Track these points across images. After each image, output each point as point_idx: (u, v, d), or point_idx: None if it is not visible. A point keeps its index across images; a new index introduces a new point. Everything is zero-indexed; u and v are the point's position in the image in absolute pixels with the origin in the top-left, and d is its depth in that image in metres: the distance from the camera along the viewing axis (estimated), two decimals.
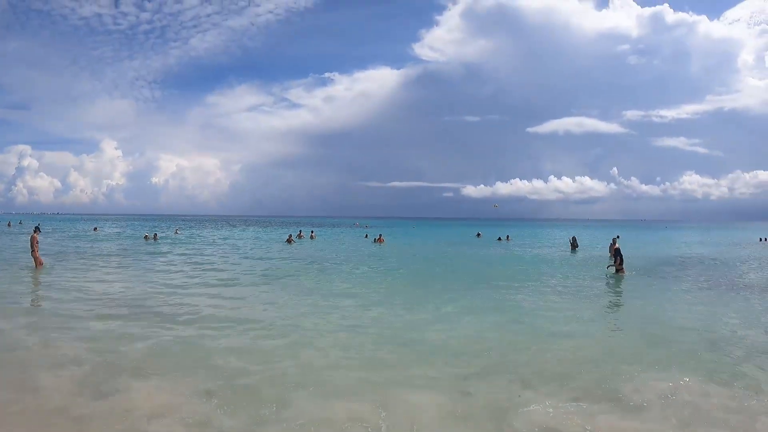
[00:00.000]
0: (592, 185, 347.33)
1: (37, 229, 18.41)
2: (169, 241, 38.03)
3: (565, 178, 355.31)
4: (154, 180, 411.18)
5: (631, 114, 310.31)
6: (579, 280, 16.70)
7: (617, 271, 17.48)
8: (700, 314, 11.02)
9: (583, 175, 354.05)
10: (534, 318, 10.39)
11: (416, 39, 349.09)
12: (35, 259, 17.80)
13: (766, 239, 44.35)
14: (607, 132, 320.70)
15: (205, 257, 24.23)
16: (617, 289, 15.31)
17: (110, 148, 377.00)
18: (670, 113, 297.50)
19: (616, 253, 17.22)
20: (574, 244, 31.61)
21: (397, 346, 8.06)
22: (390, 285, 15.32)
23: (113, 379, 6.22)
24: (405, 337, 8.66)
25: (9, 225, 65.43)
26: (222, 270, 18.63)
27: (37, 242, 17.95)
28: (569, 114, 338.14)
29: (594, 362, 7.19)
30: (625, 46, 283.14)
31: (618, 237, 26.17)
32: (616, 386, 6.09)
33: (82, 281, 15.04)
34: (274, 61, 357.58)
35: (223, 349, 7.68)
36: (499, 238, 43.53)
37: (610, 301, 13.41)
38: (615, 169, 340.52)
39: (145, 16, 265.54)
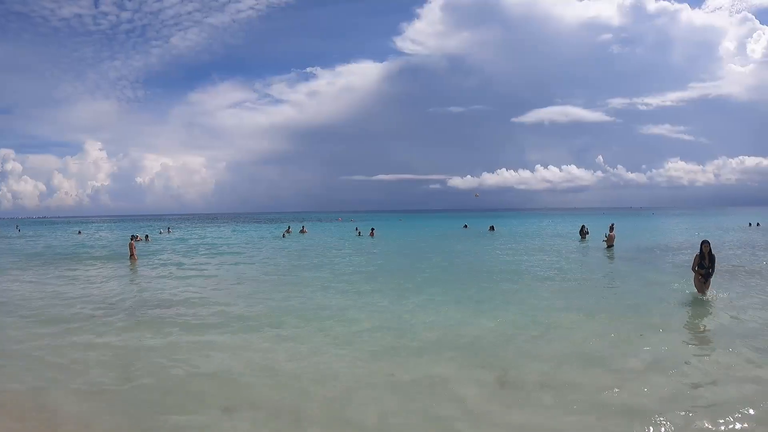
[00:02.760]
0: (578, 174, 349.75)
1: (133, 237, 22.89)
2: (164, 241, 37.51)
3: (551, 168, 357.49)
4: (139, 180, 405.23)
5: (616, 102, 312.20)
6: (574, 271, 16.93)
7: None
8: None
9: (570, 164, 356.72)
10: (525, 308, 10.48)
11: (398, 32, 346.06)
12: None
13: (758, 224, 44.69)
14: (593, 120, 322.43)
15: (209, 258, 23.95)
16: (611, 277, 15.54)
17: (94, 150, 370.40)
18: (654, 101, 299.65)
19: (710, 258, 10.89)
20: (583, 233, 31.73)
21: (395, 338, 8.13)
22: (382, 279, 15.21)
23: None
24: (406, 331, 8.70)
25: None
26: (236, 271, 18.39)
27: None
28: (554, 103, 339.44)
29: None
30: (608, 35, 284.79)
31: (613, 225, 26.39)
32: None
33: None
34: (256, 57, 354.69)
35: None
36: (491, 227, 43.57)
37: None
38: (601, 157, 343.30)
39: (125, 15, 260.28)
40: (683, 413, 5.07)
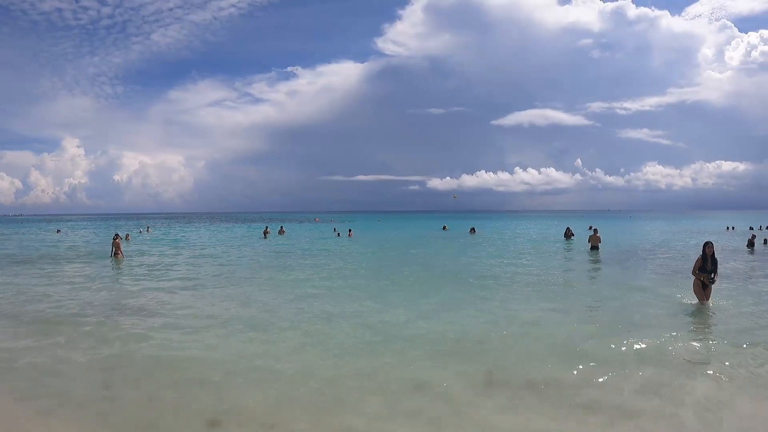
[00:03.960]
0: (557, 177, 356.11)
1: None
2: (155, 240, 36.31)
3: (530, 170, 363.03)
4: (117, 178, 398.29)
5: (595, 106, 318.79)
6: (554, 270, 16.99)
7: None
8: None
9: (549, 166, 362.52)
10: (509, 309, 10.48)
11: (379, 33, 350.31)
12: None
13: (733, 228, 45.54)
14: (572, 124, 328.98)
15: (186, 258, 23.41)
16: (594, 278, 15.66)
17: (72, 147, 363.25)
18: (633, 105, 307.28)
19: (713, 262, 10.09)
20: (568, 234, 33.11)
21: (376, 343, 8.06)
22: (362, 280, 15.20)
23: None
24: (384, 334, 8.63)
25: None
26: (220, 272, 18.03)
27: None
28: (533, 106, 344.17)
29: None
30: (588, 41, 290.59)
31: (591, 227, 26.43)
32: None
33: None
34: (236, 55, 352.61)
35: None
36: (472, 229, 43.20)
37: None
38: (579, 160, 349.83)
39: (106, 10, 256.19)
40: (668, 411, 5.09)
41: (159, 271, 17.77)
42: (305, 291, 12.83)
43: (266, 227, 43.48)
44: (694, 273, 10.23)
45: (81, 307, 11.05)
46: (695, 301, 10.26)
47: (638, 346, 7.30)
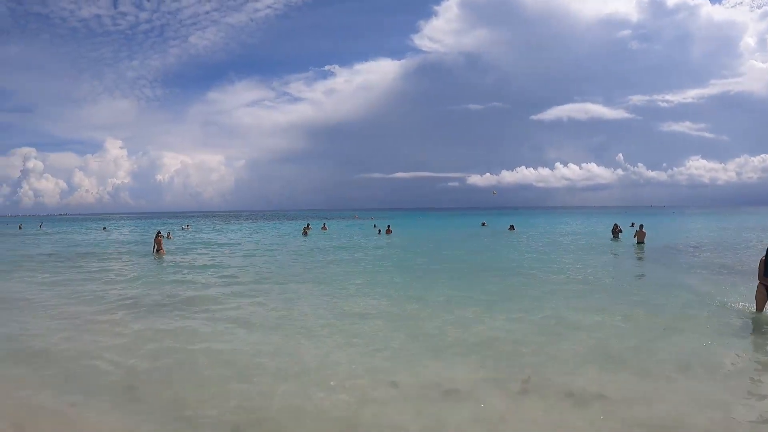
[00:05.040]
0: (598, 172, 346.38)
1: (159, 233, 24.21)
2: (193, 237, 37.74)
3: (571, 165, 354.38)
4: (159, 178, 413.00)
5: (636, 99, 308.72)
6: (597, 269, 16.41)
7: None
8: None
9: (589, 161, 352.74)
10: (548, 310, 10.05)
11: (415, 30, 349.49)
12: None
13: None
14: (612, 118, 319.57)
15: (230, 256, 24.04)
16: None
17: (114, 148, 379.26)
18: (674, 98, 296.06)
19: None
20: (616, 231, 30.22)
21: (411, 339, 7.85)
22: (400, 278, 14.98)
23: None
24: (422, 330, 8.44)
25: (20, 227, 65.58)
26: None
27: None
28: (572, 101, 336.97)
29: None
30: (626, 32, 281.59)
31: (634, 224, 26.03)
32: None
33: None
34: (273, 56, 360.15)
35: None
36: (511, 226, 42.81)
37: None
38: (620, 155, 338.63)
39: (144, 15, 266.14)
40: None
41: (199, 267, 18.12)
42: (346, 289, 12.81)
43: (308, 224, 44.28)
44: (759, 278, 9.08)
45: (120, 301, 11.43)
46: (753, 307, 9.27)
47: (685, 356, 6.81)
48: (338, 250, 24.60)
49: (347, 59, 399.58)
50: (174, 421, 5.10)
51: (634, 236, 24.63)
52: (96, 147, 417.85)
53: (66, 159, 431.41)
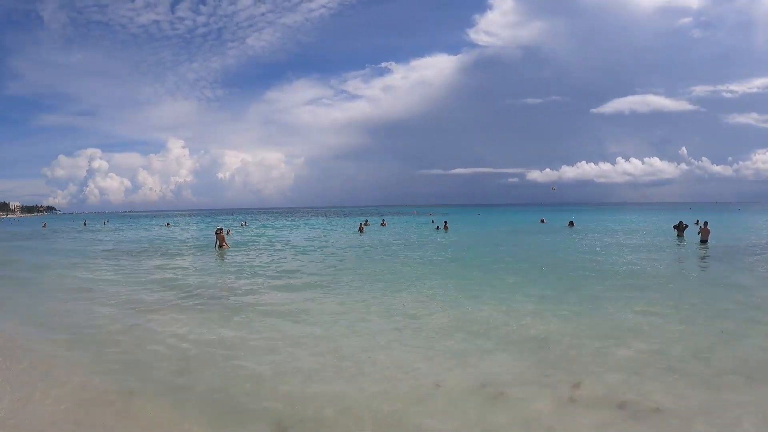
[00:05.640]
0: (661, 167, 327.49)
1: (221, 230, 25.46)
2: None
3: (633, 160, 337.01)
4: (220, 175, 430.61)
5: (699, 90, 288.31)
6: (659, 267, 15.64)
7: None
8: None
9: (652, 156, 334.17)
10: (600, 309, 9.63)
11: (471, 24, 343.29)
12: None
13: None
14: (675, 110, 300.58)
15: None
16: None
17: (177, 147, 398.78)
18: (739, 88, 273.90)
19: None
20: (681, 228, 26.89)
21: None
22: (454, 276, 14.84)
23: None
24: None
25: (85, 224, 71.14)
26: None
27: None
28: (633, 92, 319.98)
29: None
30: (687, 19, 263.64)
31: (698, 222, 24.99)
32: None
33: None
34: (330, 54, 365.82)
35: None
36: (571, 223, 41.93)
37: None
38: (684, 149, 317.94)
39: (201, 19, 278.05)
40: None
41: (256, 262, 18.53)
42: (399, 285, 12.79)
43: (365, 221, 44.87)
44: None
45: (180, 293, 12.00)
46: None
47: (751, 365, 6.31)
48: (393, 247, 24.63)
49: (403, 55, 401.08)
50: (221, 413, 5.25)
51: (698, 233, 23.58)
52: (159, 147, 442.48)
53: (130, 159, 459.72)
